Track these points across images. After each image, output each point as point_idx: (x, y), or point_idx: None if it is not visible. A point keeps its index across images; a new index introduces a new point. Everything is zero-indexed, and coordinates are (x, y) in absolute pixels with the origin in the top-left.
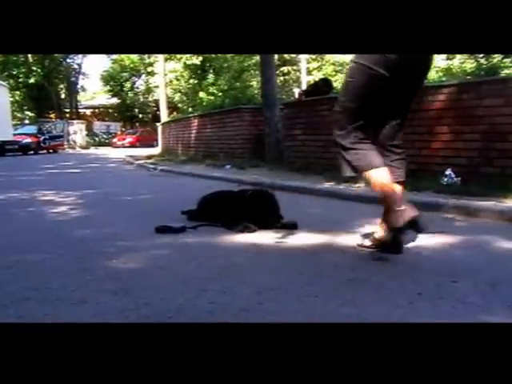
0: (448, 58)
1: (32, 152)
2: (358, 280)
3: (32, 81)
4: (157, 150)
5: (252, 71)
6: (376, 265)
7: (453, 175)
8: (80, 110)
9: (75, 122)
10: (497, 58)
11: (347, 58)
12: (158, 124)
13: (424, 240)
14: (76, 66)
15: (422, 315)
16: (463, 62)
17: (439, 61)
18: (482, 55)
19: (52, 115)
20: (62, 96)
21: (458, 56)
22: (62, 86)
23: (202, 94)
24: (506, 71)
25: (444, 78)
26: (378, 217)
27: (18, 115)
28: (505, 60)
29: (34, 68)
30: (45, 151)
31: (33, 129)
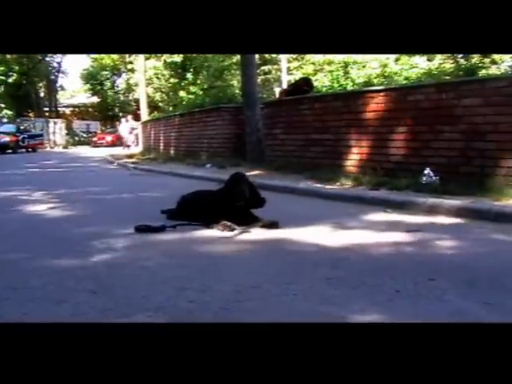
0: (428, 60)
1: (10, 151)
2: (337, 278)
3: (11, 79)
4: (137, 149)
5: (233, 70)
6: (355, 263)
7: (431, 174)
8: (59, 109)
9: (55, 120)
10: (475, 58)
11: (327, 57)
12: (138, 123)
13: (402, 239)
14: (55, 65)
15: (399, 313)
16: (443, 63)
17: (420, 62)
18: (461, 56)
19: (31, 114)
20: (42, 94)
21: (438, 57)
22: (41, 84)
23: (182, 93)
24: (484, 71)
25: (423, 79)
26: (356, 215)
27: None
28: (484, 60)
29: (13, 66)
30: (24, 150)
31: (11, 127)
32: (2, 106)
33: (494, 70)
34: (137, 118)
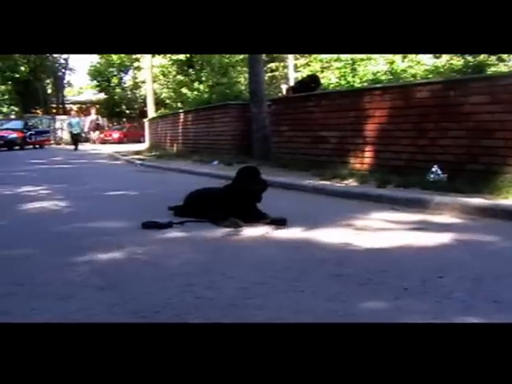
0: (435, 57)
1: (18, 147)
2: (344, 275)
3: (18, 75)
4: (144, 146)
5: (239, 67)
6: (362, 261)
7: (439, 172)
8: (66, 106)
9: (61, 117)
10: (483, 55)
11: (335, 55)
12: (145, 120)
13: (410, 236)
14: (63, 61)
15: (407, 310)
16: (450, 60)
17: (426, 59)
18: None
19: (38, 110)
20: (49, 91)
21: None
22: (48, 80)
23: (185, 90)
24: (493, 69)
25: (431, 76)
26: (363, 212)
27: (4, 110)
28: (492, 57)
29: (20, 62)
30: (31, 147)
31: (19, 124)
32: (10, 102)
33: (502, 68)
34: (143, 115)
